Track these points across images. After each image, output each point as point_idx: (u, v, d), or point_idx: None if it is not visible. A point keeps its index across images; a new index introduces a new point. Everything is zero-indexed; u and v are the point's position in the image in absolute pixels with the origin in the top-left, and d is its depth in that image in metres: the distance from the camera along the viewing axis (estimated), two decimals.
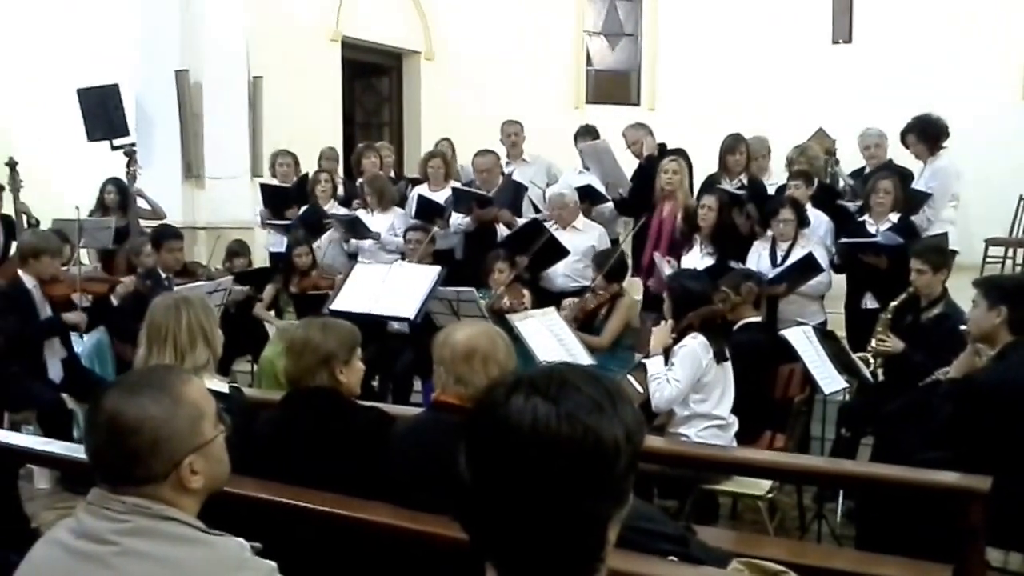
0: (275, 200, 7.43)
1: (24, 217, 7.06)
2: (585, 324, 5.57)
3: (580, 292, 5.90)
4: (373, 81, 11.47)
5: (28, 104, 9.61)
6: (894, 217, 5.75)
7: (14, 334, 5.21)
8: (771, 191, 6.44)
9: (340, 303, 5.10)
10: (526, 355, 4.24)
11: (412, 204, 7.08)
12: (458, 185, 7.07)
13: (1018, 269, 8.43)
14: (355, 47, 10.48)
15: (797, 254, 5.64)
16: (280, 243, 7.18)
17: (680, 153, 6.67)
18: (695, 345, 4.25)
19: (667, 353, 4.32)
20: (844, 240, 5.83)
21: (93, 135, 8.56)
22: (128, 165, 7.36)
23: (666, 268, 5.84)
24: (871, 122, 6.88)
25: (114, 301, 5.92)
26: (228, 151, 9.05)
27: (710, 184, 6.48)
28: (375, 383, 5.97)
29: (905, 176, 6.26)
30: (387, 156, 8.17)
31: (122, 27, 9.12)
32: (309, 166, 7.83)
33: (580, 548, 1.10)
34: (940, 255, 5.03)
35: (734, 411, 4.36)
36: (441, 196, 6.95)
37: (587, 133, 7.68)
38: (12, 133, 9.35)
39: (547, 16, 11.73)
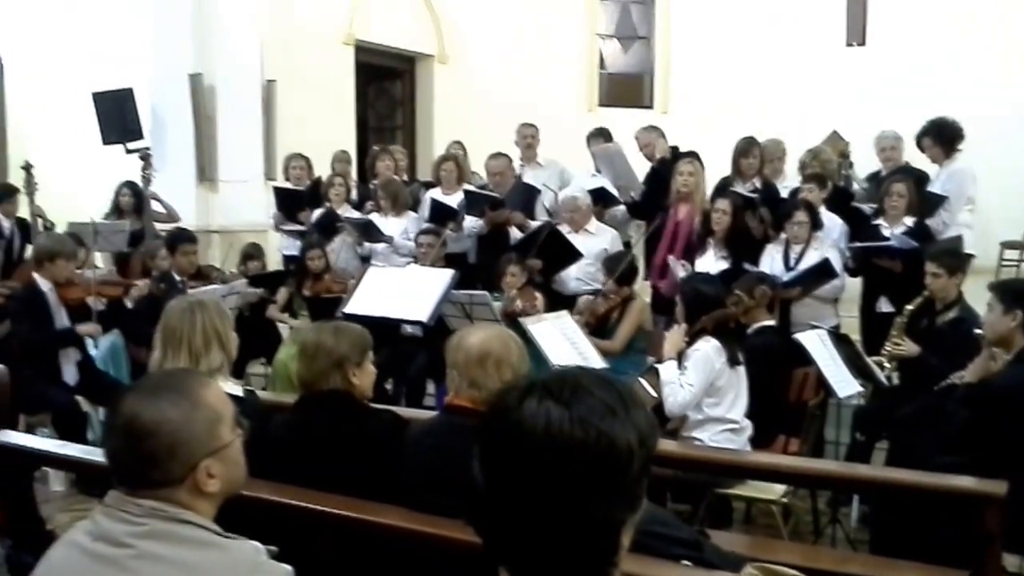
0: (288, 203, 7.44)
1: (39, 220, 7.12)
2: (597, 328, 5.56)
3: (593, 295, 5.89)
4: (386, 85, 11.49)
5: (43, 108, 9.66)
6: (909, 220, 5.72)
7: (29, 338, 5.25)
8: (784, 194, 6.41)
9: (354, 306, 5.09)
10: (539, 358, 4.23)
11: (426, 207, 7.09)
12: (470, 187, 7.09)
13: None
14: (368, 51, 10.50)
15: (811, 257, 5.62)
16: (293, 246, 7.19)
17: (693, 156, 6.66)
18: (708, 349, 4.23)
19: (680, 357, 4.31)
20: (857, 244, 5.80)
21: (108, 139, 8.62)
22: (143, 169, 7.38)
23: (680, 271, 5.83)
24: (885, 124, 6.82)
25: (128, 304, 5.93)
26: (242, 154, 9.09)
27: (723, 187, 6.46)
28: (388, 386, 5.95)
29: (921, 179, 6.23)
30: (401, 159, 8.19)
31: (136, 31, 9.18)
32: (322, 169, 7.83)
33: (593, 552, 1.10)
34: (955, 259, 5.01)
35: (748, 415, 4.33)
36: (454, 199, 6.94)
37: (599, 136, 7.68)
38: (27, 137, 9.40)
39: (560, 19, 11.75)
